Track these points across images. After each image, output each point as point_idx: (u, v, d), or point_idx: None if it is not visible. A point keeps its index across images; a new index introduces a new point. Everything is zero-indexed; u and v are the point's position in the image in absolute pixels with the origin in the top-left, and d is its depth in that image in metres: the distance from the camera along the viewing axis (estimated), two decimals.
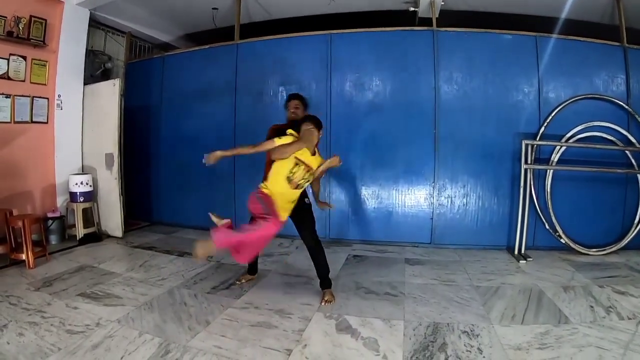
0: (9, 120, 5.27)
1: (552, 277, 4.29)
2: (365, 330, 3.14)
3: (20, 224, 4.58)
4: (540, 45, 5.24)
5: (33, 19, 5.38)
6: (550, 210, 5.16)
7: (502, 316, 3.38)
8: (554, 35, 5.26)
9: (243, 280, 4.18)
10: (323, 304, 3.63)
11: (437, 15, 5.65)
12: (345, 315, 3.41)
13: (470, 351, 2.80)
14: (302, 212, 3.73)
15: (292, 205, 3.49)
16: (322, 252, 3.79)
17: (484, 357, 2.74)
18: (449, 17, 5.96)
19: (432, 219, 5.56)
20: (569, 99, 5.16)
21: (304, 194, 3.67)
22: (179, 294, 3.88)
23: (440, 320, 3.31)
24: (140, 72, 7.25)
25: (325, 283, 3.81)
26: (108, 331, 3.08)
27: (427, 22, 5.78)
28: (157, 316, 3.38)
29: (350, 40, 5.73)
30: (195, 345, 2.89)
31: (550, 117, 5.16)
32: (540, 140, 5.14)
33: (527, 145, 5.00)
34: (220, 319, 3.33)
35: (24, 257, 4.57)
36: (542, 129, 5.17)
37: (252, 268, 4.28)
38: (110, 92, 5.99)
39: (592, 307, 3.52)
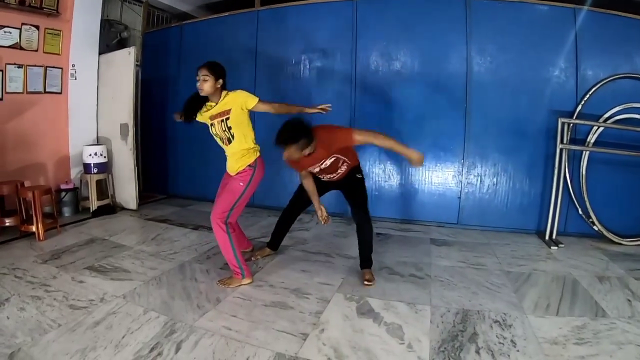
0: (21, 91, 5.13)
1: (586, 266, 3.97)
2: (388, 315, 2.88)
3: (30, 195, 4.45)
4: (579, 18, 4.79)
5: None
6: (585, 195, 4.79)
7: (535, 305, 3.08)
8: (594, 9, 4.80)
9: (259, 257, 3.96)
10: (365, 283, 3.38)
11: None
12: (367, 297, 3.16)
13: (503, 343, 2.53)
14: (352, 186, 3.54)
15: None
16: (371, 231, 3.54)
17: (517, 350, 2.46)
18: None
19: (459, 198, 5.26)
20: (608, 77, 4.72)
21: (355, 169, 3.51)
22: (190, 269, 3.69)
23: (470, 307, 3.04)
24: (157, 42, 7.06)
25: (368, 263, 3.57)
26: (112, 307, 2.90)
27: None
28: (165, 292, 3.19)
29: (377, 7, 5.38)
30: (203, 325, 2.68)
31: (587, 96, 4.74)
32: (577, 119, 4.75)
33: (563, 123, 4.63)
34: (231, 297, 3.11)
35: (34, 229, 4.45)
36: (579, 107, 4.76)
37: (275, 242, 4.07)
38: (125, 60, 5.79)
39: (629, 300, 3.20)
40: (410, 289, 3.34)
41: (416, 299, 3.15)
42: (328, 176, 3.49)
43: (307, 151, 3.09)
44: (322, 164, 3.31)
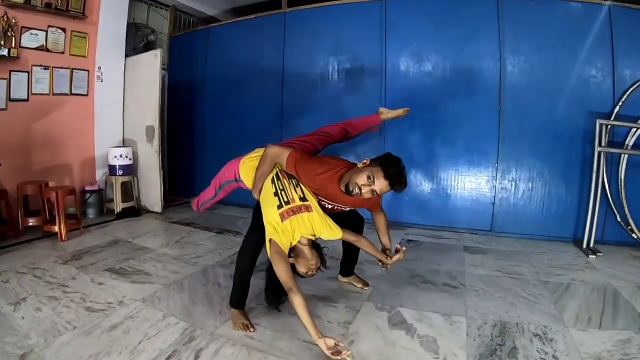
0: (47, 92, 5.15)
1: (626, 276, 3.70)
2: (422, 327, 2.69)
3: (53, 195, 4.42)
4: (614, 15, 4.53)
5: None
6: (623, 201, 4.52)
7: (576, 318, 2.86)
8: (629, 5, 4.54)
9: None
10: (366, 288, 3.29)
11: None
12: (399, 307, 2.97)
13: (544, 359, 2.33)
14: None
15: None
16: None
17: None
18: None
19: (493, 204, 5.02)
20: None
21: None
22: (213, 274, 3.56)
23: (508, 319, 2.82)
24: (184, 45, 7.06)
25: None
26: (130, 311, 2.79)
27: None
28: (185, 297, 3.06)
29: (407, 7, 5.21)
30: (224, 333, 2.54)
31: (625, 96, 4.48)
32: (614, 120, 4.49)
33: (601, 125, 4.39)
34: (255, 303, 2.95)
35: (56, 229, 4.41)
36: (617, 108, 4.50)
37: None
38: (151, 63, 5.75)
39: None
40: (444, 299, 3.14)
41: (451, 310, 2.95)
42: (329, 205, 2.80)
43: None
44: (339, 207, 2.81)
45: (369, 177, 2.44)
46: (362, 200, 2.65)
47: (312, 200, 2.57)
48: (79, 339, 2.41)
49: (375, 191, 2.47)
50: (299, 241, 2.46)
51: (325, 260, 2.58)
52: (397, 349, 2.43)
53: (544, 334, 2.62)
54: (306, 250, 2.46)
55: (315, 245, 2.54)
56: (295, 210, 2.46)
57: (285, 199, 2.49)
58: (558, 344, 2.49)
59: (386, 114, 3.40)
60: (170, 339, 2.44)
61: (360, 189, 2.44)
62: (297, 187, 2.59)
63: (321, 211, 2.58)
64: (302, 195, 2.55)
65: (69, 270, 3.51)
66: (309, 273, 2.50)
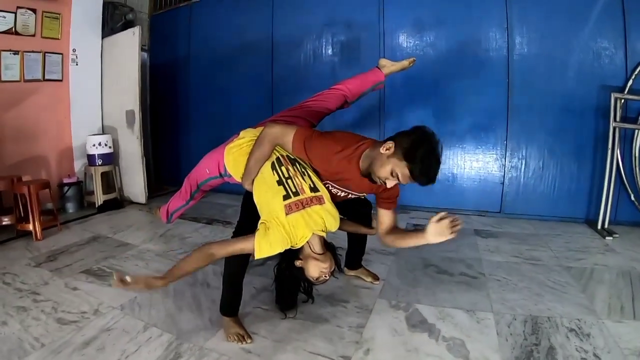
0: (18, 79, 4.76)
1: None
2: (446, 327, 2.37)
3: (26, 190, 4.02)
4: None
5: None
6: (637, 179, 4.26)
7: (609, 308, 2.58)
8: None
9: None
10: (377, 283, 3.00)
11: None
12: (416, 304, 2.65)
13: (586, 358, 2.04)
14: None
15: None
16: None
17: None
18: None
19: (502, 184, 4.73)
20: None
21: None
22: (202, 272, 3.17)
23: (538, 312, 2.53)
24: (165, 24, 6.67)
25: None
26: (107, 322, 2.43)
27: None
28: (170, 302, 2.70)
29: None
30: (216, 346, 2.18)
31: (638, 69, 4.18)
32: (628, 94, 4.21)
33: (616, 99, 4.11)
34: (252, 307, 2.61)
35: (31, 227, 4.02)
36: (630, 82, 4.19)
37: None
38: (130, 42, 5.33)
39: None
40: (464, 292, 2.83)
41: (475, 305, 2.63)
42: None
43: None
44: (353, 194, 2.45)
45: (392, 174, 2.03)
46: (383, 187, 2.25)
47: (323, 190, 2.19)
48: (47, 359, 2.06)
49: (400, 182, 2.06)
50: (308, 240, 2.08)
51: (340, 263, 2.24)
52: (422, 356, 2.10)
53: (579, 328, 2.34)
54: (318, 250, 2.10)
55: (329, 245, 2.18)
56: (306, 204, 2.08)
57: (294, 189, 2.09)
58: (596, 340, 2.22)
59: (389, 67, 3.02)
60: (153, 356, 2.09)
61: (384, 182, 2.08)
62: (304, 175, 2.18)
63: (331, 201, 2.20)
64: (312, 185, 2.15)
65: (41, 274, 3.15)
66: (322, 278, 2.12)
